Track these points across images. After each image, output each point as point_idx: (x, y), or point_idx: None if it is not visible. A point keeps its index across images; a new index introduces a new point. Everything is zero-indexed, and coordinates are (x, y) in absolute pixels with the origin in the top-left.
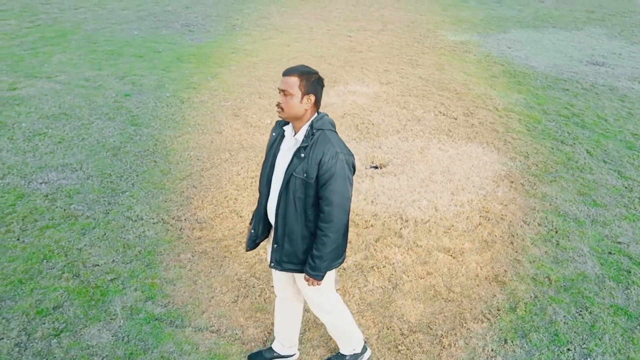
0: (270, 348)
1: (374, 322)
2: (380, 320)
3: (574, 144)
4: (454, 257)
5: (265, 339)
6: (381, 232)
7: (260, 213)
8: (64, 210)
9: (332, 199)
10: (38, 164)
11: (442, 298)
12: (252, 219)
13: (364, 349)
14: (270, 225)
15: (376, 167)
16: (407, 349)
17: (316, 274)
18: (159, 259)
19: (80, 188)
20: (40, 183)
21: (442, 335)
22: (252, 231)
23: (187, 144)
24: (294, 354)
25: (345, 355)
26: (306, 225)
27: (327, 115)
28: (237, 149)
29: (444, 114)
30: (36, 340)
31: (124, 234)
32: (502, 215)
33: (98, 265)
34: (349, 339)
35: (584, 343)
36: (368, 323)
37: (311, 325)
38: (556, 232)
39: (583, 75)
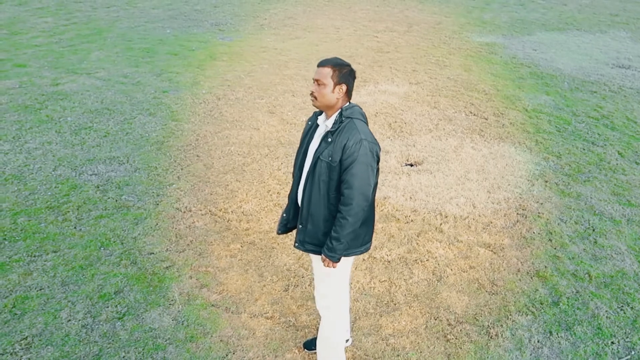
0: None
1: (422, 313)
2: (427, 311)
3: (605, 145)
4: (494, 253)
5: (318, 325)
6: (422, 227)
7: (292, 198)
8: (116, 200)
9: (353, 183)
10: (87, 157)
11: (486, 291)
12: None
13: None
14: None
15: (412, 165)
16: (456, 339)
17: (332, 255)
18: (210, 248)
19: (129, 180)
20: (91, 175)
21: (488, 326)
22: (284, 215)
23: (227, 139)
24: (347, 340)
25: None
26: (328, 208)
27: (359, 107)
28: (276, 145)
29: (474, 114)
30: (101, 323)
31: (174, 224)
32: (539, 213)
33: (153, 253)
34: (331, 353)
35: (627, 337)
36: (416, 313)
37: (361, 314)
38: (593, 230)
39: (610, 78)
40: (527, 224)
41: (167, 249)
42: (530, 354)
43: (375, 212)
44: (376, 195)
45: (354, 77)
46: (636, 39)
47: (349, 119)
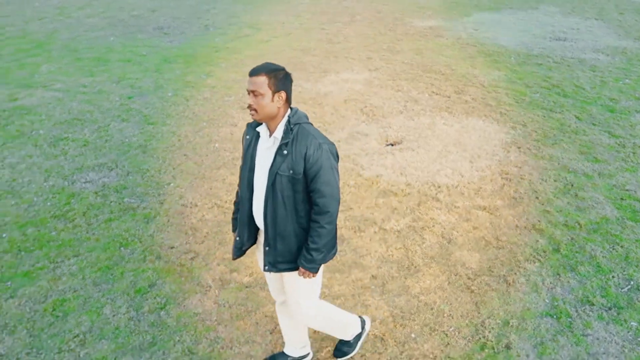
0: (283, 352)
1: (441, 271)
2: (446, 269)
3: (562, 111)
4: (491, 213)
5: (352, 292)
6: (419, 198)
7: (243, 219)
8: (119, 204)
9: (324, 191)
10: (74, 166)
11: (493, 246)
12: (235, 227)
13: (363, 322)
14: (256, 230)
15: (392, 145)
16: (479, 289)
17: (312, 267)
18: (227, 237)
19: (125, 184)
20: (84, 182)
21: (504, 275)
22: (237, 239)
23: (209, 137)
24: (308, 353)
25: (349, 341)
26: (298, 222)
27: (299, 109)
28: None
29: (437, 94)
30: (145, 314)
31: (185, 219)
32: (520, 175)
33: (174, 247)
34: (345, 329)
35: (624, 271)
36: (436, 272)
37: (388, 279)
38: (572, 185)
39: (551, 50)
40: (513, 186)
41: (186, 242)
42: (546, 294)
43: (363, 197)
44: (365, 177)
45: (291, 81)
46: (565, 13)
47: (298, 125)
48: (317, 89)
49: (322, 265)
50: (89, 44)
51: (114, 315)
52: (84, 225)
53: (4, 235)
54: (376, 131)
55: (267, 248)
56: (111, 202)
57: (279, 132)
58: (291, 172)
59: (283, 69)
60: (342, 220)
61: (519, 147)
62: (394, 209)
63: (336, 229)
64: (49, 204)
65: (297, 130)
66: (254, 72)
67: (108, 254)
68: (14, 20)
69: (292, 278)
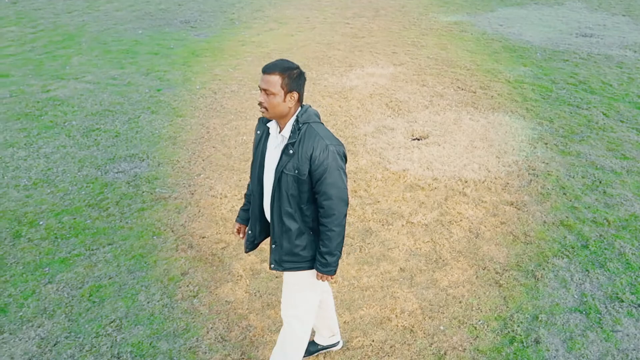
0: (313, 341)
1: (469, 265)
2: (474, 263)
3: (589, 107)
4: (518, 209)
5: (381, 284)
6: (446, 193)
7: (255, 213)
8: (151, 193)
9: (330, 193)
10: (106, 156)
11: (521, 241)
12: (239, 217)
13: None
14: (268, 225)
15: (418, 139)
16: (507, 283)
17: (328, 270)
18: None
19: (156, 174)
20: (117, 173)
21: (532, 270)
22: (250, 232)
23: (237, 129)
24: (338, 342)
25: None
26: (303, 221)
27: (311, 107)
28: None
29: (462, 89)
30: (179, 301)
31: (216, 210)
32: (548, 171)
33: (205, 237)
34: (285, 354)
35: None
36: (464, 266)
37: (416, 272)
38: (600, 182)
39: (577, 47)
40: (540, 181)
41: (217, 232)
42: (575, 290)
43: (390, 191)
44: (392, 170)
45: (305, 80)
46: (592, 9)
47: (307, 124)
48: (342, 83)
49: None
50: (118, 37)
51: (148, 302)
52: (118, 214)
53: (41, 222)
54: (402, 125)
55: (273, 246)
56: (143, 192)
57: (286, 130)
58: (296, 172)
59: (297, 68)
60: (369, 213)
61: (545, 143)
62: (421, 203)
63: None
64: (83, 192)
65: (304, 130)
66: (267, 70)
67: (141, 242)
68: (45, 13)
69: (293, 278)
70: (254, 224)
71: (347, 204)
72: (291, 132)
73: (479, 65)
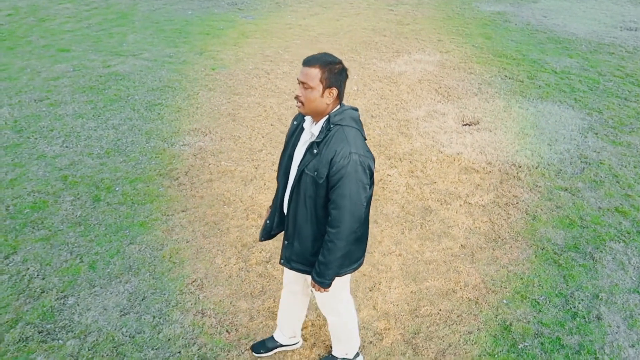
0: (272, 337)
1: (528, 245)
2: (533, 243)
3: (638, 100)
4: (573, 194)
5: (444, 259)
6: (501, 177)
7: (277, 204)
8: (217, 166)
9: (341, 203)
10: (171, 130)
11: (578, 225)
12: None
13: (356, 355)
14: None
15: (469, 125)
16: (566, 263)
17: (321, 281)
18: None
19: (220, 148)
20: (182, 145)
21: (590, 252)
22: (268, 222)
23: (293, 109)
24: (297, 342)
25: (337, 358)
26: (317, 225)
27: (352, 110)
28: None
29: (509, 78)
30: (253, 266)
31: None
32: (600, 160)
33: None
34: (347, 343)
35: None
36: (523, 246)
37: (476, 249)
38: None
39: (623, 40)
40: (593, 169)
41: None
42: (634, 272)
43: (446, 173)
44: (446, 153)
45: (346, 76)
46: (636, 3)
47: (338, 126)
48: (391, 68)
49: (348, 278)
50: (169, 17)
51: (225, 265)
52: (188, 184)
53: (117, 188)
54: (453, 111)
55: (286, 242)
56: (210, 164)
57: (317, 128)
58: (315, 173)
59: (340, 62)
60: (427, 193)
61: (595, 133)
62: (477, 185)
63: (359, 244)
64: (153, 162)
65: (334, 132)
66: (307, 62)
67: (213, 210)
68: None
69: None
70: (274, 215)
71: (359, 221)
72: (320, 130)
73: (524, 55)
